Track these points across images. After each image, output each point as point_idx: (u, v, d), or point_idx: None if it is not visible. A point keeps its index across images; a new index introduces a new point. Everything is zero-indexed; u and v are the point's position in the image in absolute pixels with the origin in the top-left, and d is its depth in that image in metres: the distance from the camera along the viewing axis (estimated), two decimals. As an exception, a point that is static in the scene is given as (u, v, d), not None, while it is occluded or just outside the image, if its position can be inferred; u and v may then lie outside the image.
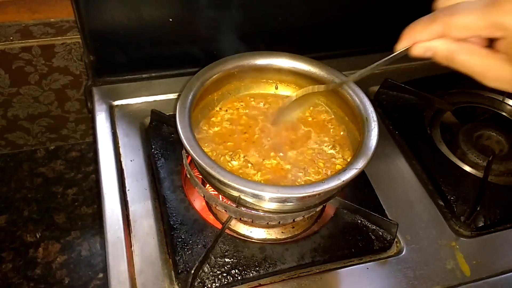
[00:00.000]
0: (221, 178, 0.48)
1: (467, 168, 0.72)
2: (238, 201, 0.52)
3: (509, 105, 0.83)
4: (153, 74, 0.79)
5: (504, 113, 0.83)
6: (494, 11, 0.33)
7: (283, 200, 0.51)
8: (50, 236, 0.84)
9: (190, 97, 0.57)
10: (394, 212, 0.64)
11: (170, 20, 0.74)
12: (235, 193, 0.51)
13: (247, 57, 0.63)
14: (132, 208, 0.61)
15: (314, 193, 0.49)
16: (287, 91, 0.67)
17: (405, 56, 0.41)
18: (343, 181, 0.49)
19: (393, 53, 0.41)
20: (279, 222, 0.57)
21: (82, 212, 0.87)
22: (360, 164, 0.51)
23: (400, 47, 0.40)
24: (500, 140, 0.77)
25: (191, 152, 0.50)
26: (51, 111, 0.91)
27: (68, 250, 0.83)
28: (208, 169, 0.49)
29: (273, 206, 0.53)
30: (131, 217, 0.60)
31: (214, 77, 0.60)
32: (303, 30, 0.83)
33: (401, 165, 0.71)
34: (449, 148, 0.75)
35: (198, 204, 0.64)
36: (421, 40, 0.38)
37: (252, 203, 0.52)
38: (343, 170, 0.51)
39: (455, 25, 0.35)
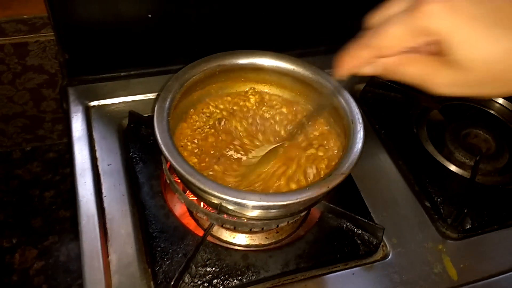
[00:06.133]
0: (202, 186, 0.46)
1: (453, 168, 0.71)
2: (219, 209, 0.50)
3: (497, 102, 0.82)
4: (132, 73, 0.76)
5: (491, 111, 0.82)
6: (414, 18, 0.31)
7: (266, 208, 0.49)
8: (26, 241, 0.81)
9: (168, 99, 0.54)
10: (380, 215, 0.62)
11: (149, 16, 0.71)
12: (216, 201, 0.49)
13: (229, 56, 0.61)
14: (109, 215, 0.58)
15: (298, 200, 0.47)
16: (271, 90, 0.65)
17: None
18: (328, 187, 0.47)
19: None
20: (262, 229, 0.55)
21: (60, 216, 0.84)
22: (345, 169, 0.49)
23: (338, 76, 0.37)
24: (488, 139, 0.76)
25: (170, 158, 0.48)
26: (26, 111, 0.87)
27: (45, 255, 0.80)
28: (187, 176, 0.47)
29: (256, 213, 0.51)
30: (108, 225, 0.57)
31: (194, 77, 0.58)
32: (287, 25, 0.81)
33: (387, 166, 0.70)
34: (436, 147, 0.74)
35: (179, 210, 0.62)
36: (356, 66, 0.36)
37: (234, 210, 0.50)
38: (328, 175, 0.49)
39: (385, 46, 0.33)
